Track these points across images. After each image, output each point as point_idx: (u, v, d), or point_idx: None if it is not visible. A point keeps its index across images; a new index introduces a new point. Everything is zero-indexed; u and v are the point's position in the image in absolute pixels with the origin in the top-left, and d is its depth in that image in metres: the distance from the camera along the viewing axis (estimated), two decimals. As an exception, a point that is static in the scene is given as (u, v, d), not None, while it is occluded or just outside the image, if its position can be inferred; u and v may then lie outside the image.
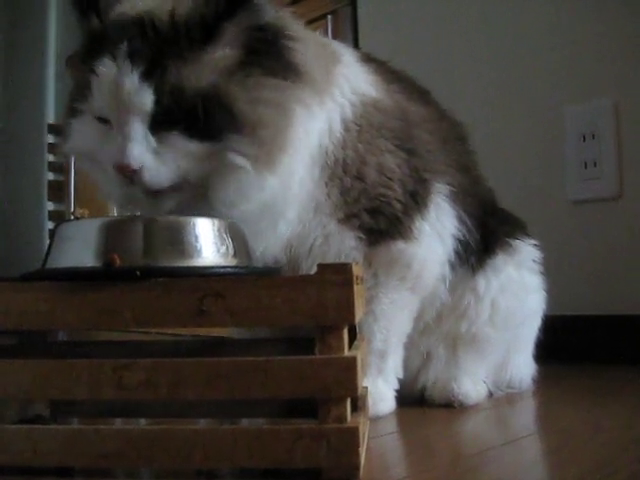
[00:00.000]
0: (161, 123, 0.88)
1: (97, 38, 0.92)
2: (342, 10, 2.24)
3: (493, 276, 1.17)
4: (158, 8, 0.91)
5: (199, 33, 0.89)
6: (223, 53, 0.90)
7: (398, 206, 1.05)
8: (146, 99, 0.86)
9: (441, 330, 1.17)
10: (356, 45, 2.12)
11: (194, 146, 0.88)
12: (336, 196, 1.03)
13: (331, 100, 1.03)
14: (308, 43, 1.00)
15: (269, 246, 1.00)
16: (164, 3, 0.91)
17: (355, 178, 1.03)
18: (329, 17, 2.23)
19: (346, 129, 1.04)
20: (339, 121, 1.03)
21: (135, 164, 0.86)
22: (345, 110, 1.04)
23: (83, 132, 0.94)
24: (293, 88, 0.94)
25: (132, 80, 0.86)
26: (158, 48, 0.87)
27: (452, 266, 1.13)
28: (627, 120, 1.67)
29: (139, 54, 0.86)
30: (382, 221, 1.04)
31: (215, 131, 0.88)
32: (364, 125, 1.05)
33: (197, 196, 0.93)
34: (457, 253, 1.13)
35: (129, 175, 0.87)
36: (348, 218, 1.03)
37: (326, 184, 1.03)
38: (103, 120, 0.91)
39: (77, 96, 0.93)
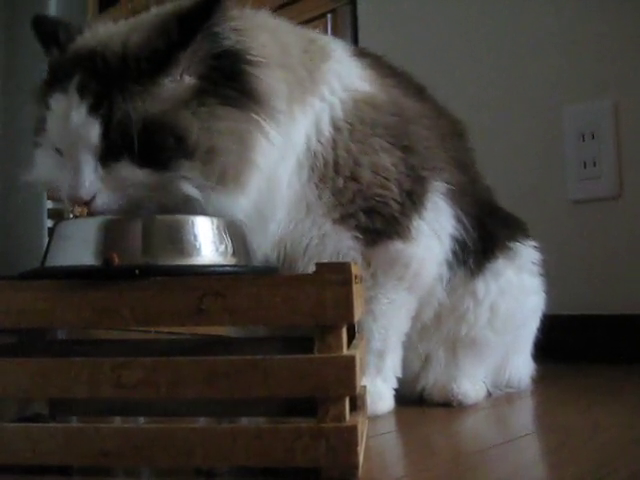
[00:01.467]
0: (110, 154, 0.87)
1: (54, 71, 0.94)
2: (342, 9, 2.24)
3: (492, 280, 1.16)
4: (112, 40, 0.91)
5: (149, 64, 0.88)
6: (176, 83, 0.89)
7: (395, 206, 1.05)
8: (93, 132, 0.86)
9: (440, 333, 1.16)
10: (356, 43, 2.12)
11: (143, 175, 0.87)
12: (328, 197, 1.02)
13: (319, 100, 1.03)
14: (271, 63, 0.97)
15: (260, 245, 1.00)
16: (119, 35, 0.92)
17: (349, 179, 1.03)
18: (329, 16, 2.23)
19: (336, 128, 1.03)
20: (328, 121, 1.02)
21: (86, 195, 0.87)
22: (335, 109, 1.03)
23: (44, 163, 0.96)
24: (250, 117, 0.91)
25: (80, 113, 0.87)
26: (106, 81, 0.87)
27: (450, 266, 1.12)
28: (627, 120, 1.67)
29: (87, 88, 0.87)
30: (379, 221, 1.04)
31: (165, 159, 0.87)
32: (356, 123, 1.04)
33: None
34: (455, 253, 1.12)
35: (78, 204, 0.87)
36: (344, 218, 1.03)
37: (316, 185, 1.02)
38: (59, 151, 0.92)
39: (38, 128, 0.95)
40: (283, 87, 0.97)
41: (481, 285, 1.16)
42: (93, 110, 0.86)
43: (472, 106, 1.83)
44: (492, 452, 0.85)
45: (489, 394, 1.21)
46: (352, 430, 0.68)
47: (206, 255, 0.76)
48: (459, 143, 1.22)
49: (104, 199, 0.87)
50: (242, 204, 0.91)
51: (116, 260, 0.71)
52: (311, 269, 0.97)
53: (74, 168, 0.88)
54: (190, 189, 0.87)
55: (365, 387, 0.89)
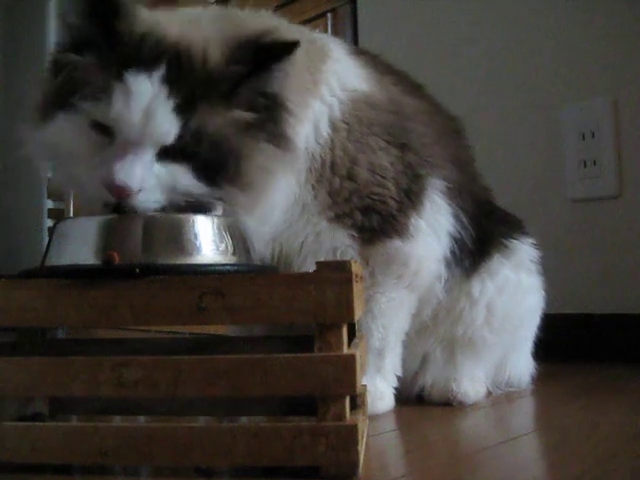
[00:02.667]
0: (172, 155, 0.86)
1: (127, 48, 0.87)
2: (342, 8, 2.24)
3: (489, 279, 1.16)
4: (193, 43, 0.89)
5: (226, 87, 0.88)
6: (240, 112, 0.89)
7: (393, 204, 1.05)
8: (171, 131, 0.85)
9: (438, 332, 1.16)
10: (356, 43, 2.12)
11: (195, 185, 0.87)
12: (323, 197, 1.02)
13: (319, 101, 1.03)
14: (300, 114, 0.99)
15: (253, 246, 1.00)
16: (197, 39, 0.90)
17: (345, 178, 1.03)
18: (329, 15, 2.23)
19: (334, 129, 1.03)
20: (326, 122, 1.03)
21: (134, 186, 0.83)
22: (333, 109, 1.04)
23: (68, 130, 0.89)
24: (282, 158, 0.94)
25: (165, 109, 0.84)
26: (193, 86, 0.86)
27: (448, 264, 1.12)
28: (626, 118, 1.67)
29: (176, 86, 0.85)
30: (376, 220, 1.04)
31: (217, 178, 0.87)
32: (353, 123, 1.04)
33: None
34: (452, 251, 1.12)
35: (121, 194, 0.83)
36: (339, 217, 1.03)
37: (313, 186, 1.02)
38: (102, 128, 0.86)
39: (73, 89, 0.88)
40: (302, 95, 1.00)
41: (477, 285, 1.16)
42: (179, 110, 0.85)
43: (472, 105, 1.83)
44: (492, 451, 0.85)
45: (489, 393, 1.21)
46: (352, 429, 0.68)
47: (206, 254, 0.76)
48: (457, 140, 1.22)
49: (148, 196, 0.85)
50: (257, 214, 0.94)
51: (116, 259, 0.71)
52: (308, 266, 1.00)
53: (131, 155, 0.84)
54: (220, 210, 0.89)
55: (365, 386, 0.89)
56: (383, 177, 1.04)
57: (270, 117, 0.92)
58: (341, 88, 1.05)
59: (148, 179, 0.84)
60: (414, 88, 1.19)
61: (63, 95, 0.88)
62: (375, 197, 1.04)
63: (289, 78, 0.93)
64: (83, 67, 0.88)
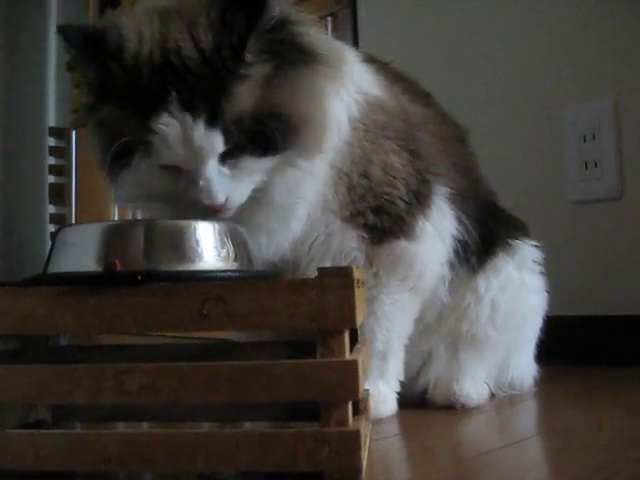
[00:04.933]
0: (231, 154, 0.91)
1: (136, 90, 0.90)
2: (342, 12, 2.24)
3: (493, 276, 1.17)
4: (183, 45, 0.90)
5: (232, 61, 0.89)
6: (256, 68, 0.91)
7: (402, 205, 1.06)
8: (217, 143, 0.89)
9: (442, 330, 1.17)
10: (356, 46, 2.12)
11: (262, 162, 0.93)
12: (343, 194, 1.04)
13: (339, 100, 1.04)
14: (312, 23, 1.00)
15: (279, 244, 1.02)
16: (183, 37, 0.90)
17: (361, 176, 1.04)
18: (329, 19, 2.23)
19: (353, 127, 1.04)
20: (346, 120, 1.04)
21: (222, 200, 0.91)
22: (352, 109, 1.04)
23: (144, 180, 0.95)
24: (320, 72, 0.96)
25: (199, 131, 0.88)
26: (206, 91, 0.88)
27: (452, 266, 1.13)
28: (627, 120, 1.67)
29: (193, 104, 0.88)
30: (386, 220, 1.05)
31: (276, 143, 0.91)
32: (369, 124, 1.06)
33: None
34: (456, 253, 1.13)
35: (218, 212, 0.92)
36: (353, 216, 1.04)
37: (334, 181, 1.03)
38: (169, 167, 0.93)
39: (126, 149, 0.92)
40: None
41: (482, 281, 1.16)
42: (210, 124, 0.88)
43: (472, 108, 1.83)
44: (495, 455, 0.85)
45: (492, 395, 1.21)
46: (355, 434, 0.68)
47: (208, 260, 0.76)
48: (461, 148, 1.24)
49: (236, 196, 0.93)
50: (318, 164, 0.99)
51: (118, 266, 0.71)
52: (313, 269, 1.00)
53: (204, 179, 0.90)
54: (298, 161, 0.96)
55: (368, 391, 0.89)
56: (394, 177, 1.06)
57: (285, 43, 0.94)
58: (357, 91, 1.06)
59: (226, 187, 0.91)
60: (421, 97, 1.20)
61: (121, 156, 0.93)
62: (386, 197, 1.05)
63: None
64: (121, 121, 0.92)
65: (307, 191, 1.00)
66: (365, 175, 1.04)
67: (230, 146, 0.90)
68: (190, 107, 0.88)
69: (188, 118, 0.88)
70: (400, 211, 1.06)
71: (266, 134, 0.90)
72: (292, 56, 0.94)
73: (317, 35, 0.99)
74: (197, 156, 0.89)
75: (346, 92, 1.05)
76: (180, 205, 0.95)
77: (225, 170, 0.91)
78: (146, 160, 0.92)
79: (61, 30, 0.93)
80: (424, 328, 1.15)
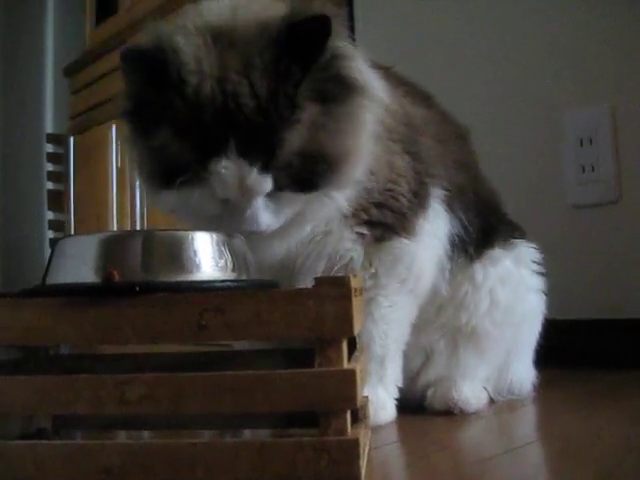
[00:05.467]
0: (276, 190, 0.95)
1: (195, 124, 0.93)
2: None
3: (491, 266, 1.19)
4: (239, 91, 0.92)
5: (286, 109, 0.92)
6: (306, 111, 0.94)
7: (404, 201, 1.08)
8: (267, 185, 0.94)
9: (441, 322, 1.18)
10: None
11: (301, 197, 0.97)
12: (349, 189, 1.04)
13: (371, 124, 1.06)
14: (357, 55, 1.02)
15: (290, 246, 1.05)
16: (240, 81, 0.92)
17: (369, 172, 1.05)
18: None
19: None
20: None
21: (265, 228, 0.97)
22: None
23: (204, 205, 0.98)
24: (357, 103, 0.98)
25: (252, 175, 0.92)
26: (261, 138, 0.92)
27: (449, 257, 1.15)
28: (625, 124, 1.68)
29: (249, 153, 0.92)
30: (389, 215, 1.07)
31: (317, 180, 0.97)
32: (377, 125, 1.07)
33: None
34: (453, 245, 1.15)
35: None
36: (356, 212, 1.06)
37: None
38: (225, 200, 0.96)
39: (175, 173, 0.96)
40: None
41: (479, 269, 1.18)
42: (263, 170, 0.92)
43: (471, 110, 1.83)
44: (494, 462, 0.85)
45: (491, 401, 1.22)
46: (353, 443, 0.69)
47: (206, 271, 0.76)
48: (462, 146, 1.26)
49: (275, 224, 0.98)
50: (344, 194, 1.02)
51: (116, 277, 0.72)
52: (306, 270, 1.04)
53: (251, 212, 0.96)
54: (338, 199, 1.01)
55: (367, 398, 0.89)
56: (399, 175, 1.08)
57: (332, 79, 0.96)
58: None
59: (269, 217, 0.97)
60: (422, 98, 1.23)
61: (168, 177, 0.97)
62: (390, 193, 1.07)
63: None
64: (179, 151, 0.95)
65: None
66: (372, 171, 1.06)
67: (276, 185, 0.94)
68: (246, 154, 0.92)
69: (244, 165, 0.92)
70: (402, 207, 1.08)
71: (309, 175, 0.95)
72: (337, 92, 0.96)
73: (359, 67, 1.01)
74: (249, 195, 0.94)
75: None
76: (220, 222, 0.98)
77: (269, 203, 0.96)
78: (199, 189, 0.96)
79: (124, 58, 0.96)
80: (423, 321, 1.16)
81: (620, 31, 1.68)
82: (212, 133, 0.92)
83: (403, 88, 1.19)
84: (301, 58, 0.92)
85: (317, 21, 0.92)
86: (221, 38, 0.95)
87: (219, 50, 0.94)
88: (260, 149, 0.92)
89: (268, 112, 0.91)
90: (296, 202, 0.98)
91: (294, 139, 0.93)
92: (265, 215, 0.96)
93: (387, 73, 1.18)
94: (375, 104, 1.02)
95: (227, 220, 0.98)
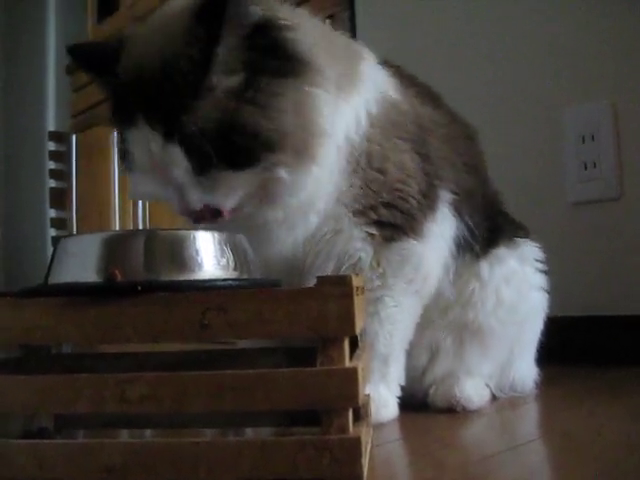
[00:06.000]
0: (203, 166, 0.91)
1: (117, 103, 0.97)
2: (340, 14, 2.24)
3: (497, 264, 1.19)
4: (152, 61, 0.92)
5: (194, 76, 0.90)
6: (226, 79, 0.91)
7: (414, 202, 1.07)
8: (176, 156, 0.91)
9: (448, 320, 1.17)
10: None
11: (239, 176, 0.93)
12: (358, 187, 1.05)
13: (358, 95, 1.05)
14: (305, 27, 1.00)
15: (297, 239, 1.04)
16: (155, 52, 0.93)
17: (378, 171, 1.05)
18: (327, 21, 2.23)
19: (371, 124, 1.06)
20: (365, 116, 1.05)
21: (196, 206, 0.94)
22: (370, 106, 1.06)
23: (146, 184, 0.98)
24: (302, 83, 0.95)
25: (157, 144, 0.91)
26: (166, 105, 0.90)
27: (455, 257, 1.15)
28: (626, 121, 1.67)
29: (154, 119, 0.90)
30: (398, 216, 1.06)
31: (249, 157, 0.92)
32: (387, 123, 1.08)
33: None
34: (459, 245, 1.15)
35: (195, 216, 0.95)
36: (365, 210, 1.05)
37: (350, 175, 1.04)
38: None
39: (123, 157, 0.98)
40: (326, 57, 1.00)
41: (485, 267, 1.18)
42: (168, 138, 0.90)
43: (472, 109, 1.82)
44: (496, 459, 0.85)
45: (494, 398, 1.22)
46: (356, 442, 0.69)
47: (208, 270, 0.76)
48: (471, 147, 1.26)
49: (218, 204, 0.95)
50: (315, 174, 0.98)
51: (118, 276, 0.72)
52: (316, 270, 1.03)
53: (176, 189, 0.94)
54: (282, 173, 0.94)
55: (369, 396, 0.89)
56: (408, 175, 1.07)
57: (267, 50, 0.93)
58: (376, 90, 1.08)
59: (203, 196, 0.94)
60: (432, 99, 1.22)
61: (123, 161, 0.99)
62: (399, 193, 1.06)
63: (272, 6, 0.96)
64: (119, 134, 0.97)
65: (321, 189, 1.02)
66: (381, 171, 1.06)
67: (196, 159, 0.91)
68: (150, 122, 0.90)
69: (148, 133, 0.91)
70: (412, 208, 1.07)
71: (234, 149, 0.91)
72: (272, 66, 0.93)
73: (309, 40, 0.97)
74: (164, 167, 0.92)
75: (365, 89, 1.07)
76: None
77: (203, 180, 0.93)
78: (134, 169, 0.97)
79: (71, 52, 1.02)
80: (430, 319, 1.16)
81: (622, 28, 1.67)
82: (125, 106, 0.93)
83: (414, 89, 1.18)
84: (211, 25, 0.89)
85: None
86: (158, 21, 0.98)
87: (150, 32, 0.97)
88: (163, 115, 0.90)
89: (172, 78, 0.90)
90: (234, 181, 0.93)
91: (206, 107, 0.89)
92: (195, 193, 0.93)
93: (398, 72, 1.18)
94: (327, 81, 0.98)
95: (174, 205, 0.96)
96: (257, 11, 0.92)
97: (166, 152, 0.91)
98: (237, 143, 0.90)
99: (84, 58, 1.02)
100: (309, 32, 0.99)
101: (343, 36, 1.17)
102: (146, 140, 0.91)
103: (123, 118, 0.94)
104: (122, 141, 0.96)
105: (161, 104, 0.90)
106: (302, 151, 0.96)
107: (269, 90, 0.92)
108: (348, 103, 1.04)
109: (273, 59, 0.93)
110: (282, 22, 0.95)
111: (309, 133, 0.96)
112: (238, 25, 0.91)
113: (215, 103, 0.90)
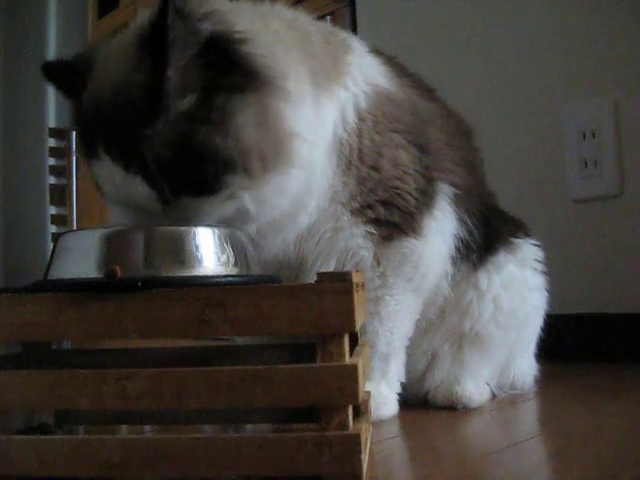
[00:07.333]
0: (170, 192, 0.87)
1: (81, 133, 0.96)
2: (341, 11, 2.24)
3: (495, 273, 1.17)
4: (106, 91, 0.89)
5: (145, 101, 0.85)
6: (179, 101, 0.86)
7: (411, 200, 1.06)
8: (139, 187, 0.87)
9: (445, 328, 1.16)
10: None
11: (203, 203, 0.88)
12: (353, 185, 1.03)
13: (344, 89, 1.04)
14: (264, 33, 0.95)
15: (285, 238, 1.02)
16: (109, 81, 0.90)
17: (371, 168, 1.04)
18: (328, 18, 2.23)
19: (361, 119, 1.04)
20: (353, 111, 1.04)
21: None
22: (359, 100, 1.04)
23: (119, 213, 0.96)
24: (264, 92, 0.90)
25: (119, 175, 0.87)
26: (122, 137, 0.87)
27: (454, 262, 1.13)
28: (627, 118, 1.67)
29: (113, 150, 0.87)
30: (396, 214, 1.05)
31: (212, 182, 0.87)
32: (379, 116, 1.06)
33: None
34: (458, 250, 1.13)
35: None
36: (363, 209, 1.04)
37: (343, 172, 1.03)
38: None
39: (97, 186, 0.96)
40: (294, 58, 0.97)
41: (483, 277, 1.16)
42: (126, 169, 0.86)
43: (472, 107, 1.83)
44: (496, 456, 0.85)
45: (494, 396, 1.21)
46: (355, 438, 0.69)
47: (208, 266, 0.76)
48: (467, 143, 1.24)
49: None
50: (297, 176, 0.94)
51: (118, 272, 0.71)
52: (318, 268, 1.02)
53: (149, 217, 0.89)
54: (245, 201, 0.90)
55: (369, 392, 0.89)
56: (404, 172, 1.06)
57: (221, 67, 0.88)
58: (365, 81, 1.06)
59: (171, 222, 0.88)
60: (428, 91, 1.20)
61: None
62: (396, 191, 1.05)
63: (225, 15, 0.92)
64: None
65: (310, 189, 0.99)
66: (375, 168, 1.04)
67: (159, 188, 0.87)
68: (110, 154, 0.88)
69: (109, 164, 0.88)
70: (409, 206, 1.06)
71: (194, 173, 0.87)
72: (228, 82, 0.88)
73: (267, 49, 0.92)
74: (129, 198, 0.89)
75: (353, 82, 1.05)
76: None
77: (173, 207, 0.88)
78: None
79: (45, 70, 0.98)
80: (426, 325, 1.15)
81: (622, 25, 1.67)
82: (87, 137, 0.92)
83: (409, 78, 1.16)
84: (155, 50, 0.84)
85: (162, 5, 0.82)
86: (113, 48, 0.94)
87: (105, 59, 0.94)
88: (120, 146, 0.87)
89: (124, 108, 0.86)
90: (201, 207, 0.89)
91: (161, 133, 0.85)
92: (166, 220, 0.88)
93: (392, 61, 1.16)
94: (295, 84, 0.93)
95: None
96: (207, 27, 0.87)
97: (128, 183, 0.87)
98: (196, 167, 0.86)
99: (55, 77, 0.98)
100: (268, 39, 0.95)
101: (327, 27, 1.15)
102: (109, 172, 0.88)
103: (86, 150, 0.92)
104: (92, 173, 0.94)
105: (117, 135, 0.87)
106: (274, 159, 0.90)
107: (225, 107, 0.87)
108: (331, 99, 1.02)
109: (228, 75, 0.88)
110: (235, 36, 0.90)
111: (276, 140, 0.91)
112: (188, 44, 0.85)
113: (170, 127, 0.85)
